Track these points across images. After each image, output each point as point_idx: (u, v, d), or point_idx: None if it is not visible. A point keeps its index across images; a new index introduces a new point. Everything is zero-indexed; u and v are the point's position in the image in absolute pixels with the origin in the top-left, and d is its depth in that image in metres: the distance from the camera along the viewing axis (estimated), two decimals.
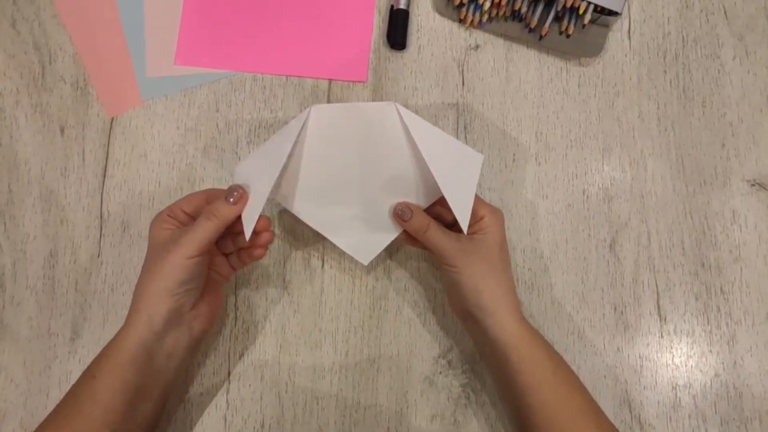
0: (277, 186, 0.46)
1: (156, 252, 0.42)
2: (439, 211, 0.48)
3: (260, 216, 0.43)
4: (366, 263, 0.48)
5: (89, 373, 0.41)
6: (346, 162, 0.46)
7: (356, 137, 0.46)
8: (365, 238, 0.48)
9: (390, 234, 0.48)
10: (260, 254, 0.46)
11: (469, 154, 0.47)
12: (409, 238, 0.48)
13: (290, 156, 0.45)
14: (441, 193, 0.44)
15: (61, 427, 0.40)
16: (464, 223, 0.44)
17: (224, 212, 0.42)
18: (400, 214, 0.46)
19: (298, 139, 0.45)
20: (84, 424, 0.39)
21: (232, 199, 0.42)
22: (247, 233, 0.43)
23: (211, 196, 0.45)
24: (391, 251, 0.52)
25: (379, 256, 0.51)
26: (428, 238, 0.45)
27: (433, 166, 0.44)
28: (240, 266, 0.47)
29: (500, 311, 0.43)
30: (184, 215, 0.44)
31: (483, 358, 0.49)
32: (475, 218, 0.45)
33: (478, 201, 0.45)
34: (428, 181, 0.46)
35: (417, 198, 0.47)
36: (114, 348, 0.41)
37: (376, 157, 0.46)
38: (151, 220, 0.44)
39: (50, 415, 0.41)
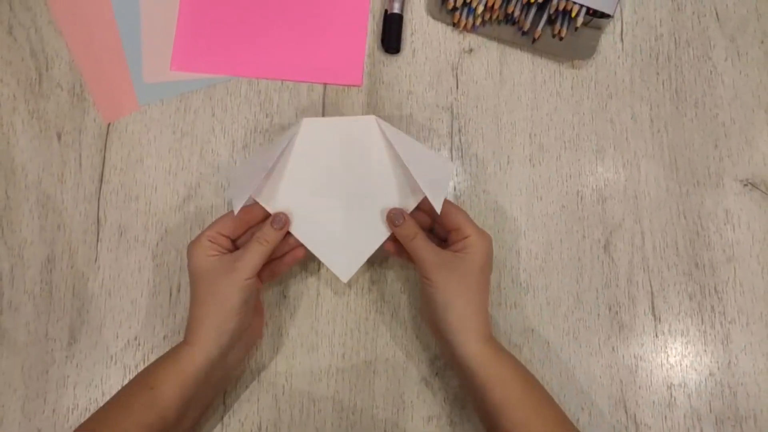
0: (265, 190, 0.48)
1: (210, 277, 0.44)
2: (430, 228, 0.49)
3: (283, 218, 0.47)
4: (345, 281, 0.49)
5: (146, 383, 0.43)
6: (330, 171, 0.49)
7: (340, 148, 0.49)
8: (345, 252, 0.48)
9: (369, 247, 0.49)
10: (290, 261, 0.49)
11: (443, 161, 0.51)
12: (396, 249, 0.49)
13: (278, 163, 0.48)
14: (420, 199, 0.48)
15: (111, 427, 0.41)
16: (438, 207, 0.46)
17: (273, 237, 0.46)
18: (393, 218, 0.47)
19: (286, 148, 0.48)
20: (136, 422, 0.41)
21: (277, 226, 0.46)
22: (236, 209, 0.45)
23: (246, 218, 0.47)
24: (386, 254, 0.53)
25: (373, 260, 0.52)
26: (413, 247, 0.46)
27: (411, 167, 0.47)
28: (272, 278, 0.50)
29: (467, 330, 0.43)
30: (225, 240, 0.46)
31: (455, 374, 0.49)
32: (460, 235, 0.45)
33: (467, 220, 0.46)
34: (407, 188, 0.49)
35: (397, 202, 0.49)
36: (178, 362, 0.43)
37: (359, 166, 0.49)
38: (189, 245, 0.45)
39: (97, 414, 0.42)
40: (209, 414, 0.49)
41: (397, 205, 0.48)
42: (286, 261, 0.49)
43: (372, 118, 0.49)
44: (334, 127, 0.49)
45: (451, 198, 0.54)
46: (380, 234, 0.48)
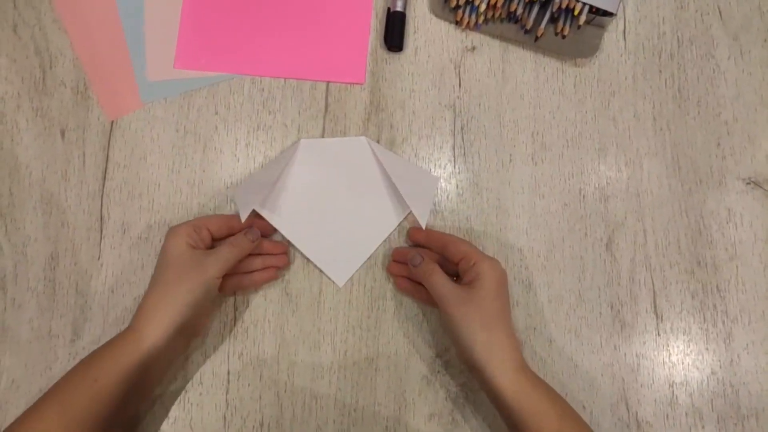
0: (267, 204, 0.52)
1: (179, 265, 0.45)
2: (441, 262, 0.49)
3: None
4: (341, 285, 0.52)
5: (90, 375, 0.42)
6: (326, 186, 0.53)
7: (335, 166, 0.54)
8: (341, 259, 0.52)
9: (363, 254, 0.53)
10: (259, 279, 0.51)
11: (428, 175, 0.54)
12: (410, 289, 0.51)
13: (279, 180, 0.53)
14: (407, 211, 0.53)
15: (55, 416, 0.41)
16: (422, 221, 0.50)
17: (245, 246, 0.48)
18: (411, 259, 0.49)
19: (287, 166, 0.53)
20: (79, 417, 0.41)
21: (250, 237, 0.49)
22: (243, 217, 0.49)
23: (230, 224, 0.50)
24: (389, 252, 0.53)
25: (375, 258, 0.52)
26: (432, 282, 0.47)
27: (398, 184, 0.51)
28: (236, 290, 0.51)
29: (496, 363, 0.43)
30: (207, 234, 0.48)
31: (492, 406, 0.47)
32: (468, 264, 0.46)
33: (472, 248, 0.47)
34: (396, 201, 0.53)
35: (386, 214, 0.53)
36: (121, 351, 0.43)
37: (352, 182, 0.53)
38: (172, 228, 0.47)
39: (36, 408, 0.41)
40: (209, 411, 0.49)
41: (386, 216, 0.53)
42: (255, 278, 0.50)
43: (363, 139, 0.54)
44: (329, 147, 0.54)
45: (452, 196, 0.54)
46: (372, 242, 0.53)
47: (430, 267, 0.47)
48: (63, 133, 0.54)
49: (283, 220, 0.53)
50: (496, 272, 0.45)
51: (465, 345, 0.44)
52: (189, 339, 0.49)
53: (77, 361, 0.49)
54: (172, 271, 0.45)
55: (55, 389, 0.42)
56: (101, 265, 0.52)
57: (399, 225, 0.53)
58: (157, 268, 0.46)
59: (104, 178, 0.53)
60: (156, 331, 0.43)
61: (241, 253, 0.48)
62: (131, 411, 0.46)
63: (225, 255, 0.46)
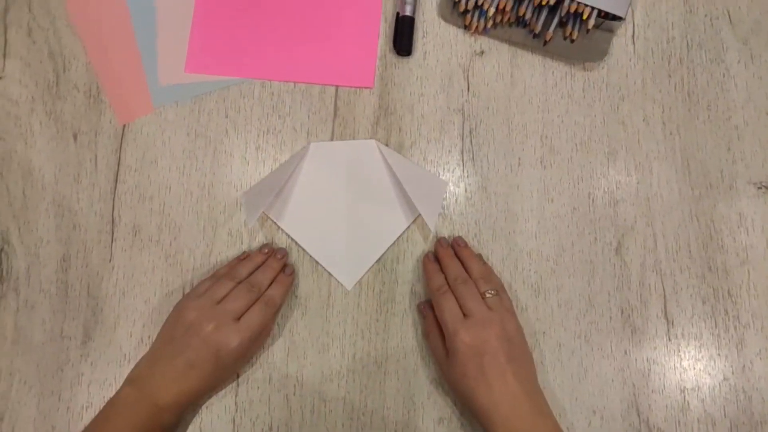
0: (276, 206, 0.53)
1: (232, 362, 0.47)
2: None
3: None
4: (350, 288, 0.52)
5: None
6: (335, 189, 0.54)
7: (344, 169, 0.54)
8: (349, 261, 0.52)
9: (371, 257, 0.53)
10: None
11: (437, 179, 0.54)
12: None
13: (288, 183, 0.53)
14: (416, 214, 0.53)
15: None
16: (430, 224, 0.51)
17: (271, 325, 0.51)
18: (421, 310, 0.51)
19: (296, 169, 0.53)
20: None
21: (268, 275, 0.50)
22: (250, 222, 0.52)
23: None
24: (398, 255, 0.53)
25: (384, 262, 0.52)
26: (427, 342, 0.50)
27: (407, 187, 0.51)
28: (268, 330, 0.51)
29: (493, 425, 0.42)
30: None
31: None
32: (446, 333, 0.46)
33: (449, 319, 0.45)
34: (405, 205, 0.53)
35: (395, 218, 0.53)
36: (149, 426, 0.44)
37: (361, 185, 0.54)
38: (235, 336, 0.46)
39: None
40: (219, 414, 0.49)
41: (395, 220, 0.53)
42: (275, 297, 0.49)
43: (372, 142, 0.54)
44: (338, 150, 0.54)
45: (461, 200, 0.54)
46: (381, 246, 0.53)
47: (426, 328, 0.50)
48: (75, 137, 0.55)
49: (292, 222, 0.53)
50: (465, 345, 0.44)
51: (466, 405, 0.46)
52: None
53: (89, 362, 0.50)
54: (222, 367, 0.46)
55: None
56: (112, 268, 0.52)
57: (408, 228, 0.53)
58: (207, 363, 0.45)
59: (116, 180, 0.54)
60: (180, 410, 0.46)
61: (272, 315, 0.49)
62: None
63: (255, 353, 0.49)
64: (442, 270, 0.49)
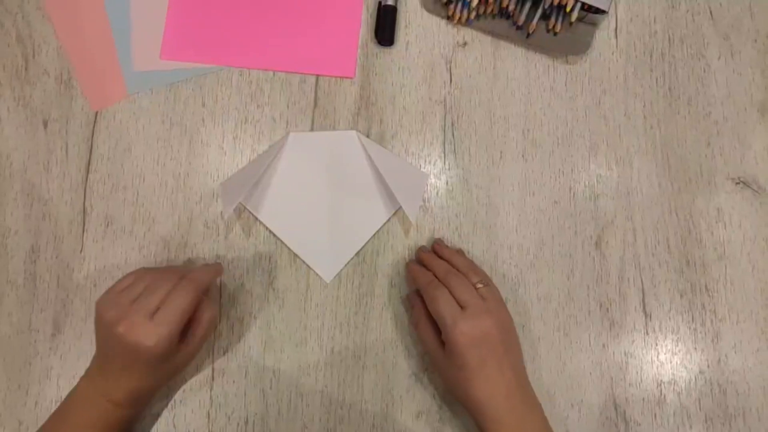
0: (254, 197, 0.52)
1: (165, 358, 0.44)
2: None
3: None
4: (328, 281, 0.51)
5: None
6: (315, 180, 0.53)
7: (324, 159, 0.53)
8: (328, 254, 0.52)
9: (351, 250, 0.52)
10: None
11: (418, 171, 0.54)
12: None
13: (266, 173, 0.52)
14: (397, 206, 0.52)
15: None
16: (411, 216, 0.51)
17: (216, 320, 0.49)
18: (409, 300, 0.50)
19: (274, 160, 0.52)
20: None
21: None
22: (225, 213, 0.51)
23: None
24: (378, 248, 0.52)
25: (363, 255, 0.51)
26: (417, 333, 0.48)
27: (388, 179, 0.51)
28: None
29: (484, 416, 0.43)
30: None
31: None
32: (441, 325, 0.44)
33: (439, 310, 0.44)
34: (386, 196, 0.53)
35: (375, 210, 0.52)
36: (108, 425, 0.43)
37: (341, 176, 0.53)
38: (160, 330, 0.42)
39: None
40: (193, 409, 0.48)
41: (375, 212, 0.52)
42: (200, 276, 0.46)
43: (353, 133, 0.53)
44: (318, 140, 0.53)
45: (442, 193, 0.53)
46: (361, 238, 0.52)
47: (415, 318, 0.48)
48: (45, 124, 0.53)
49: (270, 214, 0.52)
50: (465, 337, 0.43)
51: (458, 398, 0.45)
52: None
53: (58, 355, 0.49)
54: (157, 363, 0.43)
55: None
56: (83, 259, 0.51)
57: (388, 221, 0.53)
58: (144, 363, 0.42)
59: (88, 169, 0.52)
60: (139, 409, 0.45)
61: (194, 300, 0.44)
62: None
63: (197, 349, 0.45)
64: (428, 269, 0.49)
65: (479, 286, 0.46)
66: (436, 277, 0.47)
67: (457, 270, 0.48)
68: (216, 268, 0.48)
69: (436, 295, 0.45)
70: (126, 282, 0.44)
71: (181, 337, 0.43)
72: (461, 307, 0.44)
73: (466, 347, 0.43)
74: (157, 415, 0.48)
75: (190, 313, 0.43)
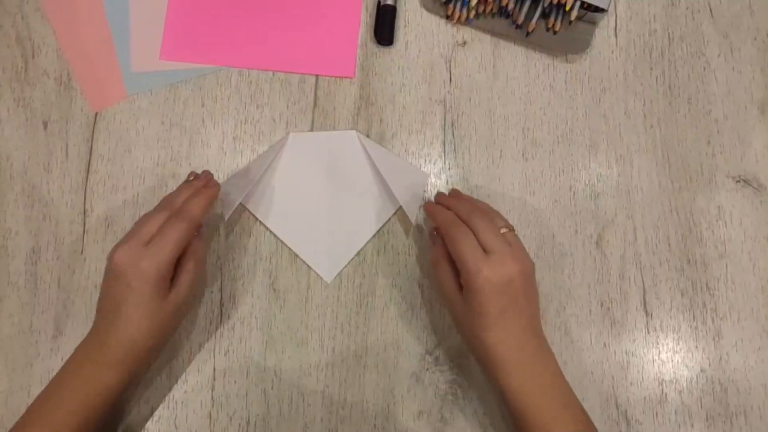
0: (254, 198, 0.52)
1: (157, 307, 0.43)
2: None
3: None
4: (329, 281, 0.51)
5: (58, 417, 0.41)
6: (315, 180, 0.53)
7: (324, 160, 0.53)
8: (329, 254, 0.52)
9: (351, 250, 0.52)
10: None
11: (418, 171, 0.54)
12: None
13: (267, 174, 0.52)
14: (397, 206, 0.52)
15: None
16: (411, 216, 0.51)
17: (204, 256, 0.48)
18: (432, 236, 0.48)
19: (274, 160, 0.52)
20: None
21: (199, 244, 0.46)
22: (226, 215, 0.50)
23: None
24: (379, 248, 0.52)
25: (364, 255, 0.51)
26: (436, 274, 0.46)
27: (388, 179, 0.51)
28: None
29: (497, 363, 0.42)
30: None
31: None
32: (461, 268, 0.43)
33: (462, 252, 0.42)
34: (386, 196, 0.53)
35: (376, 210, 0.52)
36: (98, 388, 0.42)
37: (341, 176, 0.53)
38: (152, 267, 0.42)
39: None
40: (195, 409, 0.48)
41: (375, 212, 0.52)
42: (192, 210, 0.45)
43: (353, 133, 0.53)
44: (318, 140, 0.53)
45: (443, 192, 0.53)
46: (361, 238, 0.52)
47: (434, 258, 0.46)
48: (45, 125, 0.53)
49: (270, 214, 0.52)
50: (489, 283, 0.41)
51: (470, 345, 0.45)
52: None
53: (59, 357, 0.49)
54: (138, 323, 0.42)
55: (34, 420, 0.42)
56: (84, 260, 0.51)
57: (388, 220, 0.53)
58: (130, 309, 0.42)
59: (88, 170, 0.52)
60: (132, 371, 0.43)
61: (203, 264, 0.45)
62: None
63: (188, 289, 0.44)
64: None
65: (504, 230, 0.44)
66: (459, 217, 0.45)
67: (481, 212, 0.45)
68: (208, 194, 0.46)
69: (458, 236, 0.43)
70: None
71: (172, 283, 0.43)
72: (485, 251, 0.42)
73: (489, 294, 0.41)
74: (159, 416, 0.48)
75: (182, 245, 0.43)
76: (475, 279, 0.41)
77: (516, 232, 0.45)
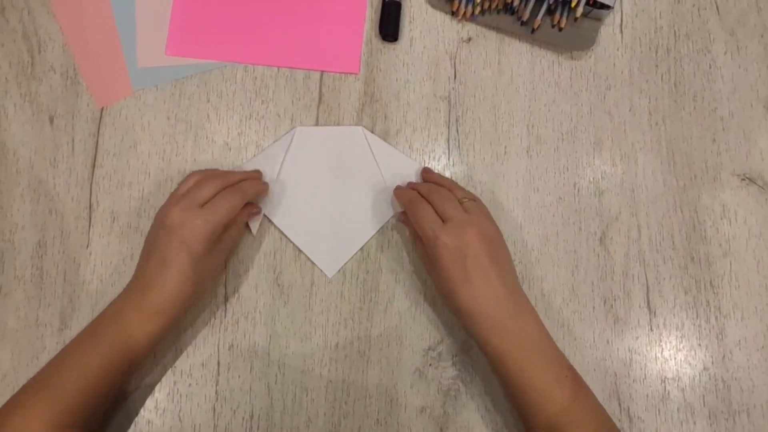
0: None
1: (204, 263, 0.45)
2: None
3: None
4: (330, 276, 0.51)
5: (81, 369, 0.42)
6: (320, 175, 0.53)
7: (330, 155, 0.53)
8: (332, 249, 0.52)
9: (354, 246, 0.52)
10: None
11: (421, 169, 0.53)
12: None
13: (271, 167, 0.52)
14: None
15: (44, 412, 0.40)
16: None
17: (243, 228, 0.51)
18: (401, 219, 0.52)
19: (284, 155, 0.53)
20: (70, 411, 0.41)
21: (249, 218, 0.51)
22: (254, 229, 0.51)
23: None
24: (382, 244, 0.52)
25: (368, 250, 0.52)
26: (417, 251, 0.49)
27: (388, 177, 0.52)
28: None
29: (478, 326, 0.43)
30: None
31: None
32: (426, 242, 0.45)
33: (428, 228, 0.44)
34: (388, 193, 0.52)
35: (380, 207, 0.52)
36: (111, 345, 0.43)
37: (346, 172, 0.53)
38: (202, 226, 0.44)
39: (29, 394, 0.42)
40: (199, 403, 0.49)
41: (379, 209, 0.52)
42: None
43: (359, 129, 0.53)
44: (325, 135, 0.53)
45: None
46: (364, 235, 0.52)
47: (412, 238, 0.50)
48: (52, 120, 0.53)
49: (274, 207, 0.52)
50: (447, 248, 0.43)
51: (452, 313, 0.47)
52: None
53: None
54: (197, 269, 0.44)
55: (44, 379, 0.42)
56: (90, 254, 0.51)
57: (392, 217, 0.53)
58: (168, 264, 0.44)
59: (93, 165, 0.53)
60: (171, 321, 0.44)
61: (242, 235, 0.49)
62: (112, 401, 0.46)
63: (230, 250, 0.48)
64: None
65: (464, 200, 0.46)
66: (420, 194, 0.48)
67: (442, 186, 0.48)
68: (262, 186, 0.50)
69: (417, 210, 0.46)
70: (182, 188, 0.47)
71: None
72: (444, 220, 0.44)
73: (449, 259, 0.43)
74: (163, 409, 0.48)
75: (233, 214, 0.46)
76: (435, 246, 0.44)
77: (478, 201, 0.47)
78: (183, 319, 0.49)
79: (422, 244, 0.47)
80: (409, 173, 0.53)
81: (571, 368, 0.44)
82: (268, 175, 0.52)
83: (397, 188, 0.51)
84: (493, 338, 0.43)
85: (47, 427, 0.39)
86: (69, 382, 0.41)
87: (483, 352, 0.44)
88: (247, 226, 0.52)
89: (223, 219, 0.45)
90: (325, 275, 0.52)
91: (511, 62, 0.56)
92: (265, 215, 0.52)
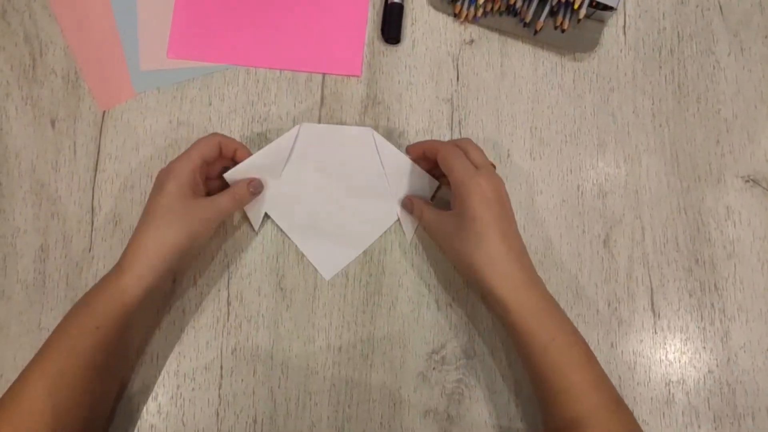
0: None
1: (182, 212, 0.45)
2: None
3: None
4: (328, 278, 0.51)
5: (91, 323, 0.42)
6: (324, 175, 0.52)
7: (335, 155, 0.52)
8: (332, 252, 0.51)
9: (355, 250, 0.52)
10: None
11: (428, 178, 0.52)
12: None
13: (274, 165, 0.51)
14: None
15: (59, 365, 0.41)
16: (408, 235, 0.52)
17: (246, 199, 0.50)
18: (403, 206, 0.52)
19: (284, 151, 0.51)
20: (83, 364, 0.42)
21: (252, 190, 0.49)
22: (255, 225, 0.51)
23: (224, 153, 0.49)
24: (386, 247, 0.52)
25: (371, 253, 0.51)
26: (424, 224, 0.50)
27: (392, 185, 0.51)
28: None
29: (496, 278, 0.44)
30: (204, 170, 0.48)
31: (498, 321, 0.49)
32: (454, 183, 0.46)
33: (454, 164, 0.45)
34: (393, 199, 0.52)
35: (385, 211, 0.52)
36: (113, 296, 0.43)
37: (352, 173, 0.52)
38: (169, 171, 0.46)
39: (45, 351, 0.42)
40: (202, 407, 0.49)
41: (384, 213, 0.52)
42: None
43: (369, 130, 0.51)
44: (331, 134, 0.52)
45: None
46: (367, 238, 0.52)
47: (419, 211, 0.50)
48: (53, 123, 0.53)
49: (276, 207, 0.51)
50: (475, 189, 0.44)
51: (465, 269, 0.46)
52: (169, 282, 0.50)
53: None
54: (171, 216, 0.44)
55: (58, 340, 0.42)
56: (92, 258, 0.51)
57: (395, 222, 0.53)
58: (153, 211, 0.45)
59: (95, 169, 0.52)
60: (150, 277, 0.43)
61: (240, 206, 0.49)
62: (121, 362, 0.47)
63: (223, 207, 0.47)
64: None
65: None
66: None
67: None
68: (243, 149, 0.50)
69: (450, 153, 0.46)
70: None
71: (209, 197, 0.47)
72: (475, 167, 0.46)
73: (481, 201, 0.44)
74: (166, 413, 0.48)
75: (207, 153, 0.46)
76: (469, 183, 0.44)
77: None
78: (181, 271, 0.50)
79: (430, 210, 0.48)
80: (416, 181, 0.52)
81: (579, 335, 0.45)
82: (274, 170, 0.51)
83: (412, 144, 0.51)
84: (515, 293, 0.43)
85: (43, 394, 0.40)
86: (61, 342, 0.42)
87: (498, 306, 0.44)
88: (248, 222, 0.51)
89: (196, 156, 0.46)
90: (330, 278, 0.51)
91: (513, 64, 0.56)
92: (266, 214, 0.52)
